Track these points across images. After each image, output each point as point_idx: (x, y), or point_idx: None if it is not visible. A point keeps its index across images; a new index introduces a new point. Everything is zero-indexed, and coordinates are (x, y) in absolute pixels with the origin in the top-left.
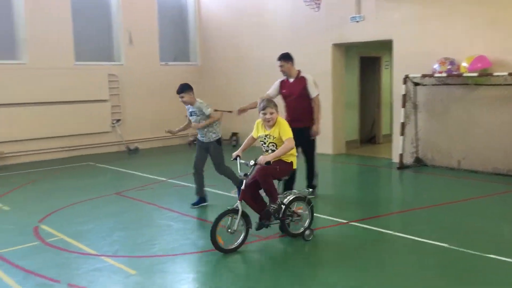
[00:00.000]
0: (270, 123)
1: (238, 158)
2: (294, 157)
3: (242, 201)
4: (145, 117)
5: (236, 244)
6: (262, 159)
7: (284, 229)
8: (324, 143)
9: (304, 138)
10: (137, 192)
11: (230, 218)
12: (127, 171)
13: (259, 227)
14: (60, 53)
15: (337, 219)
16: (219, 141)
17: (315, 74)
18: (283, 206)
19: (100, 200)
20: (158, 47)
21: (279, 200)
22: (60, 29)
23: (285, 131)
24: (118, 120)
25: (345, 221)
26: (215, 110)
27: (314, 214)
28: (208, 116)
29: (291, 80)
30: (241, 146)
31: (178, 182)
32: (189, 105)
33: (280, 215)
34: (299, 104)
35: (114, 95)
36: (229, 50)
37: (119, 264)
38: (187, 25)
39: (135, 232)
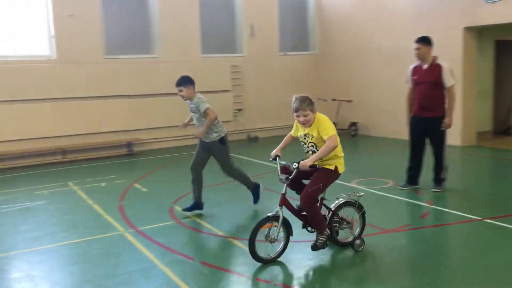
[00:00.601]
0: (307, 125)
1: (277, 158)
2: (340, 159)
3: (283, 207)
4: (265, 107)
5: (275, 254)
6: (303, 164)
7: (331, 237)
8: (452, 134)
9: (434, 129)
10: (259, 179)
11: (269, 225)
12: (247, 158)
13: (315, 248)
14: (189, 47)
15: (469, 215)
16: (222, 140)
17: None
18: (330, 213)
19: (226, 185)
20: (278, 38)
21: (327, 231)
22: (189, 24)
23: (326, 128)
24: (239, 110)
25: (478, 218)
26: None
27: (445, 209)
28: (205, 113)
29: (425, 66)
30: (279, 145)
31: None
32: (188, 101)
33: (327, 222)
34: (430, 92)
35: (236, 86)
36: (348, 38)
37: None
38: (306, 14)
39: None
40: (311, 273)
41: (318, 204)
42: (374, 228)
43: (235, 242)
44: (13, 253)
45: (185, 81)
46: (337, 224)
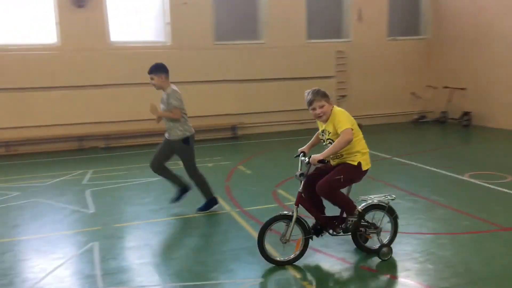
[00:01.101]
0: (322, 118)
1: (302, 155)
2: (363, 155)
3: (300, 206)
4: (370, 94)
5: (292, 256)
6: (314, 158)
7: (355, 242)
8: None
9: None
10: None
11: (285, 225)
12: None
13: (317, 233)
14: (294, 32)
15: None
16: (186, 140)
17: None
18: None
19: None
20: (386, 22)
21: (358, 209)
22: (295, 9)
23: (340, 122)
24: (343, 96)
25: None
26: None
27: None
28: (173, 108)
29: None
30: (309, 142)
31: (404, 160)
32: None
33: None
34: None
35: (340, 72)
36: (466, 21)
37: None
38: None
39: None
40: (417, 265)
41: (341, 192)
42: (490, 225)
43: None
44: (135, 223)
45: (157, 69)
46: (363, 229)
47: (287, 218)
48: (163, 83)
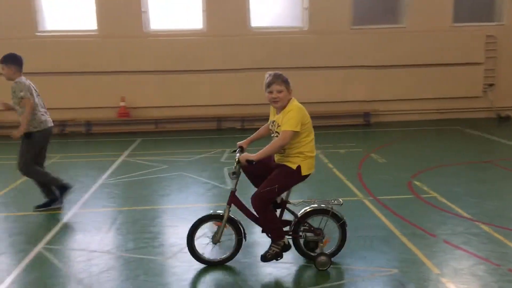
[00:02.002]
0: (277, 104)
1: (238, 150)
2: (306, 159)
3: (231, 205)
4: None
5: (223, 256)
6: (243, 157)
7: (296, 248)
8: None
9: None
10: (509, 163)
11: (214, 225)
12: (496, 139)
13: (264, 259)
14: (438, 15)
15: None
16: (29, 135)
17: None
18: (295, 220)
19: (469, 165)
20: None
21: (285, 239)
22: None
23: (289, 119)
24: (490, 85)
25: None
26: None
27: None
28: (21, 100)
29: None
30: (252, 135)
31: None
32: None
33: (291, 230)
34: None
35: (489, 58)
36: None
37: (495, 233)
38: None
39: (510, 203)
40: None
41: (272, 210)
42: None
43: (483, 226)
44: None
45: (7, 59)
46: (303, 234)
47: (219, 218)
48: (13, 74)
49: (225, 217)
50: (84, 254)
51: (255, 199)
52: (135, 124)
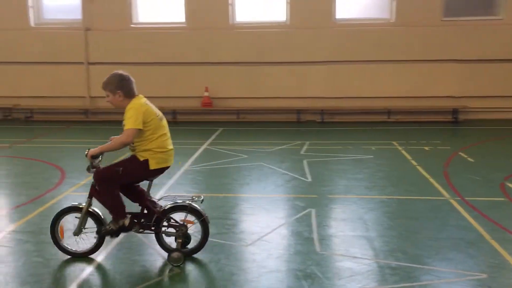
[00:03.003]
0: (113, 106)
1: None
2: (156, 154)
3: (92, 198)
4: None
5: (85, 249)
6: (89, 152)
7: (159, 243)
8: None
9: None
10: None
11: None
12: None
13: (100, 234)
14: None
15: None
16: None
17: None
18: (155, 216)
19: None
20: None
21: (124, 220)
22: None
23: (127, 119)
24: None
25: None
26: None
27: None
28: None
29: None
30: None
31: None
32: None
33: (152, 225)
34: None
35: None
36: None
37: None
38: None
39: None
40: None
41: (116, 190)
42: None
43: None
44: (348, 196)
45: None
46: (164, 228)
47: (78, 210)
48: None
49: (84, 209)
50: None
51: (96, 173)
52: (218, 114)
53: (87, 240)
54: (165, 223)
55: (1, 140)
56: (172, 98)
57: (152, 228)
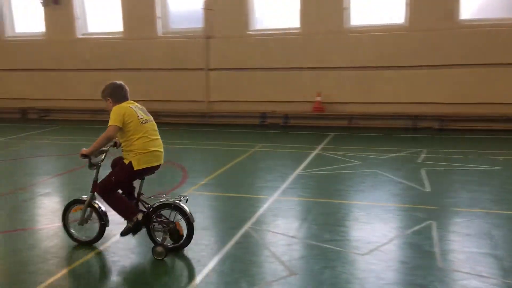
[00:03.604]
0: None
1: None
2: (136, 155)
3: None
4: None
5: (88, 238)
6: (81, 151)
7: (149, 236)
8: None
9: None
10: None
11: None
12: None
13: (121, 235)
14: None
15: None
16: None
17: None
18: (145, 212)
19: None
20: None
21: (137, 216)
22: None
23: (110, 119)
24: None
25: None
26: None
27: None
28: None
29: None
30: None
31: None
32: None
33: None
34: None
35: None
36: None
37: None
38: None
39: None
40: None
41: (117, 196)
42: None
43: None
44: (473, 210)
45: None
46: (153, 225)
47: (82, 202)
48: None
49: (86, 202)
50: (284, 239)
51: (96, 188)
52: (329, 119)
53: (91, 230)
54: (155, 220)
55: None
56: (284, 103)
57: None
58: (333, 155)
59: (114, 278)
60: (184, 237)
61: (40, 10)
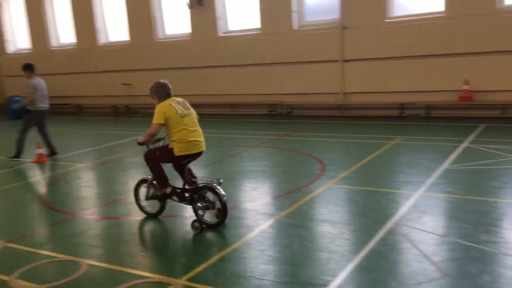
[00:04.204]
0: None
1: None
2: (178, 144)
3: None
4: None
5: (154, 210)
6: (138, 139)
7: (194, 212)
8: None
9: None
10: None
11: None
12: None
13: (150, 198)
14: None
15: None
16: (27, 110)
17: None
18: (190, 191)
19: None
20: None
21: (166, 189)
22: None
23: (154, 116)
24: None
25: None
26: None
27: None
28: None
29: None
30: None
31: None
32: None
33: (186, 197)
34: None
35: None
36: None
37: None
38: None
39: None
40: None
41: (158, 166)
42: None
43: None
44: None
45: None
46: (198, 203)
47: (144, 181)
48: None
49: (149, 181)
50: (433, 238)
51: (144, 154)
52: (479, 109)
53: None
54: (199, 199)
55: (268, 133)
56: (425, 92)
57: (187, 200)
58: (485, 149)
59: (263, 267)
60: (220, 217)
61: (187, 12)
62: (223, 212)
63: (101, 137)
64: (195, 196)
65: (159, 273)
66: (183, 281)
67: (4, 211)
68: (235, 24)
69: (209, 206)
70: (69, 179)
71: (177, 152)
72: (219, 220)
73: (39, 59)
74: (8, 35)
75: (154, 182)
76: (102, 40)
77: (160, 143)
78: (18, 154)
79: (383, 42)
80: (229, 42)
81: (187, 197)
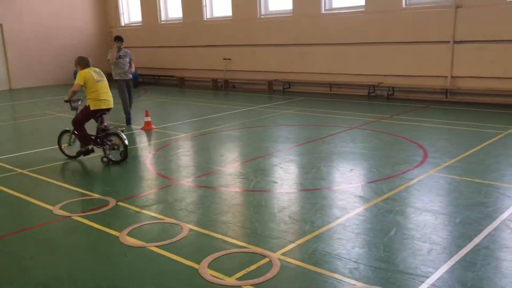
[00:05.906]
0: None
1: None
2: (91, 101)
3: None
4: None
5: (74, 154)
6: (64, 96)
7: (104, 153)
8: None
9: None
10: None
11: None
12: None
13: (77, 155)
14: None
15: None
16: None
17: None
18: (101, 137)
19: None
20: None
21: (88, 146)
22: None
23: (76, 79)
24: None
25: None
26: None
27: None
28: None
29: None
30: None
31: None
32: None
33: (98, 142)
34: None
35: None
36: None
37: None
38: None
39: None
40: None
41: (82, 129)
42: None
43: None
44: None
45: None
46: (106, 146)
47: (68, 132)
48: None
49: (71, 131)
50: None
51: (72, 122)
52: None
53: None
54: (106, 142)
55: (367, 115)
56: None
57: (99, 143)
58: None
59: (358, 250)
60: (122, 155)
61: None
62: (124, 151)
63: (202, 109)
64: (104, 140)
65: (254, 245)
66: (278, 255)
67: (114, 173)
68: (339, 1)
69: (114, 147)
70: (173, 148)
71: (92, 107)
72: (121, 158)
73: (148, 32)
74: (122, 8)
75: (78, 139)
76: (207, 15)
77: (79, 103)
78: (127, 120)
79: (501, 24)
80: (331, 20)
81: (98, 141)
